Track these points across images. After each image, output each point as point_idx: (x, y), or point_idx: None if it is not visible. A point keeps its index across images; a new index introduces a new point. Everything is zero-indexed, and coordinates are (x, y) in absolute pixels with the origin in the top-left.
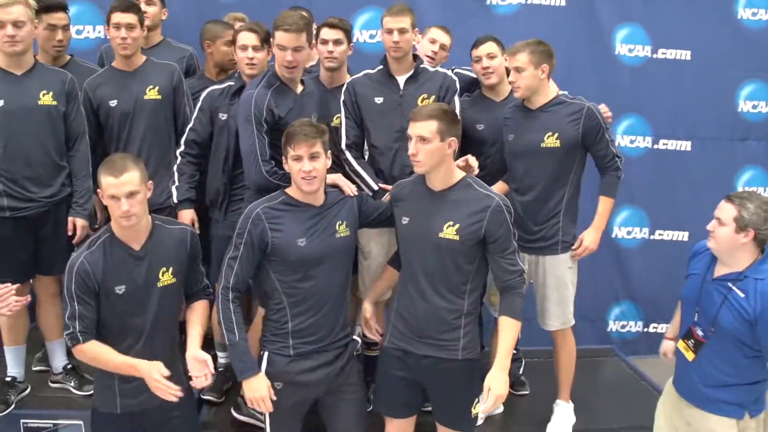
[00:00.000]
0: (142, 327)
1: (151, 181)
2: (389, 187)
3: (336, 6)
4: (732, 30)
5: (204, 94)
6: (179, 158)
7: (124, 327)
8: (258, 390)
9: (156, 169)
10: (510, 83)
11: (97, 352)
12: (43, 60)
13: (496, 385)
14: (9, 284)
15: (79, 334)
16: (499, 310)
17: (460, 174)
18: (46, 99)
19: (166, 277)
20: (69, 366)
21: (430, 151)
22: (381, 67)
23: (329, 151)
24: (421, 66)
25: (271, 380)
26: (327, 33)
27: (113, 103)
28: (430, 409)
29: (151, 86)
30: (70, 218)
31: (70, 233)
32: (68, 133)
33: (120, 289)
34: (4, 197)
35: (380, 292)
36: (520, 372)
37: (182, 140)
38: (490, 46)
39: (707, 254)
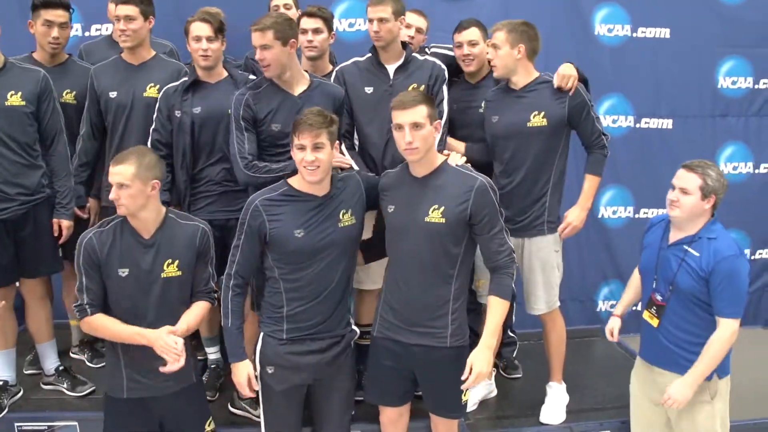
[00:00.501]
0: (144, 314)
1: (157, 180)
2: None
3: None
4: (710, 6)
5: (161, 94)
6: None
7: (128, 312)
8: (238, 375)
9: None
10: (488, 61)
11: (104, 323)
12: (40, 57)
13: (478, 362)
14: None
15: (87, 306)
16: (488, 289)
17: (440, 158)
18: (14, 100)
19: (170, 269)
20: (61, 368)
21: (425, 136)
22: (370, 55)
23: (336, 142)
24: (412, 55)
25: (263, 363)
26: (306, 22)
27: (113, 94)
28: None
29: (152, 84)
30: (54, 219)
31: (56, 234)
32: (43, 133)
33: (123, 272)
34: None
35: None
36: (513, 356)
37: (148, 143)
38: (472, 32)
39: (661, 225)
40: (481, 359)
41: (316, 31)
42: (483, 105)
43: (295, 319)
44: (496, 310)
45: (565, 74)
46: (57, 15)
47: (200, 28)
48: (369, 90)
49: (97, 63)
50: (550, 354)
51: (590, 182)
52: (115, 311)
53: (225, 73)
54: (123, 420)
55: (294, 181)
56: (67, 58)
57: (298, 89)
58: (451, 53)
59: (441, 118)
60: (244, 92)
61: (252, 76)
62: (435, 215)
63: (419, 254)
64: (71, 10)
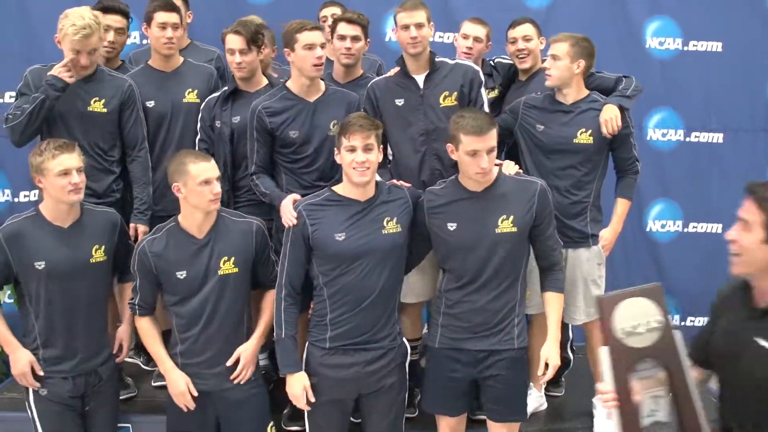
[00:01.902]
0: (201, 313)
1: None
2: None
3: (368, 3)
4: (763, 20)
5: (203, 104)
6: None
7: (185, 311)
8: (293, 386)
9: None
10: (543, 69)
11: (145, 333)
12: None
13: (552, 356)
14: None
15: (137, 306)
16: (543, 285)
17: (495, 169)
18: (96, 106)
19: (227, 266)
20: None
21: (494, 158)
22: (398, 68)
23: (380, 146)
24: (438, 60)
25: (307, 373)
26: (345, 29)
27: (150, 103)
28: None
29: (190, 89)
30: (132, 224)
31: (132, 239)
32: (125, 140)
33: (181, 274)
34: None
35: None
36: (562, 375)
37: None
38: (526, 28)
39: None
40: (553, 353)
41: (355, 38)
42: (521, 105)
43: (338, 326)
44: (556, 304)
45: (608, 118)
46: (114, 20)
47: (233, 41)
48: (400, 102)
49: None
50: (595, 366)
51: (623, 206)
52: (181, 313)
53: (264, 82)
54: (184, 416)
55: (338, 188)
56: (119, 65)
57: (314, 96)
58: (511, 61)
59: None
60: (258, 103)
61: None
62: (505, 225)
63: (491, 265)
64: (130, 19)
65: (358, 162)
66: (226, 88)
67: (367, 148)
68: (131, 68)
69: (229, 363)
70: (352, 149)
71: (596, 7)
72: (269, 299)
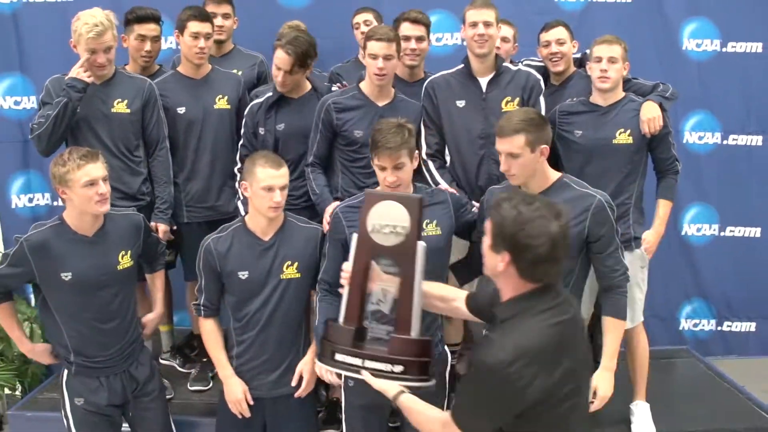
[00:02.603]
0: (260, 316)
1: None
2: (452, 189)
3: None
4: None
5: (247, 110)
6: (238, 175)
7: (245, 312)
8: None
9: (224, 180)
10: (602, 71)
11: (209, 336)
12: (132, 69)
13: (602, 386)
14: None
15: (202, 307)
16: (603, 309)
17: (555, 174)
18: (120, 107)
19: (290, 271)
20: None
21: (522, 164)
22: (461, 66)
23: (416, 152)
24: (504, 65)
25: (345, 376)
26: (410, 29)
27: (181, 110)
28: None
29: (221, 95)
30: (152, 223)
31: None
32: (147, 139)
33: (243, 275)
34: None
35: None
36: None
37: (237, 157)
38: (560, 32)
39: None
40: (605, 383)
41: (420, 39)
42: (556, 114)
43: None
44: (613, 332)
45: (651, 117)
46: (149, 29)
47: (281, 60)
48: (461, 104)
49: None
50: (634, 371)
51: (665, 207)
52: (240, 315)
53: (308, 86)
54: (234, 421)
55: (376, 190)
56: (157, 70)
57: (384, 101)
58: (542, 64)
59: None
60: (329, 98)
61: (335, 87)
62: None
63: None
64: (161, 23)
65: (389, 182)
66: (270, 94)
67: (396, 168)
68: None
69: (293, 383)
70: (383, 169)
71: (631, 9)
72: None
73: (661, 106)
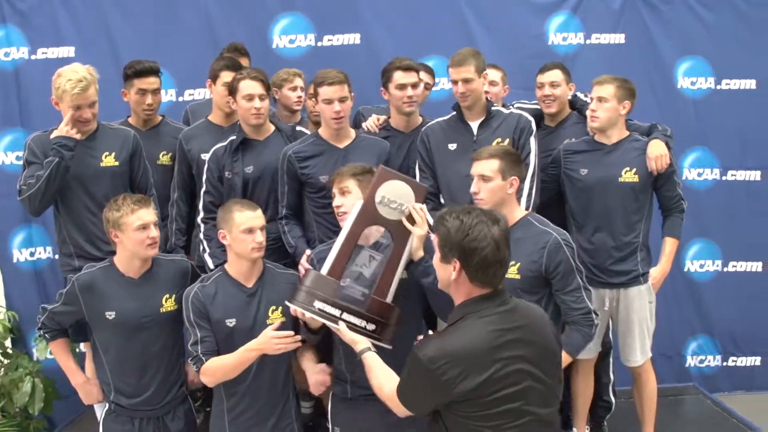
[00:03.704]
0: (251, 364)
1: None
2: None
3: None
4: None
5: (210, 154)
6: (202, 225)
7: None
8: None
9: None
10: (590, 111)
11: (218, 364)
12: (134, 122)
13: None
14: None
15: (202, 355)
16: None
17: (521, 212)
18: (108, 160)
19: (275, 315)
20: None
21: (492, 189)
22: (454, 113)
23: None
24: (494, 108)
25: (333, 424)
26: (403, 77)
27: (206, 156)
28: None
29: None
30: None
31: None
32: (136, 188)
33: (231, 323)
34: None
35: None
36: (605, 421)
37: (200, 206)
38: (555, 74)
39: None
40: None
41: (414, 85)
42: (561, 153)
43: (356, 375)
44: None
45: (658, 155)
46: (149, 83)
47: (252, 87)
48: (452, 146)
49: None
50: (642, 409)
51: (671, 245)
52: None
53: (272, 128)
54: None
55: None
56: (160, 120)
57: (345, 142)
58: (535, 106)
59: (527, 172)
60: (288, 149)
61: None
62: (512, 271)
63: None
64: (160, 74)
65: (342, 212)
66: (233, 137)
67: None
68: (173, 123)
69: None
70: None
71: (625, 50)
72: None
73: (666, 144)
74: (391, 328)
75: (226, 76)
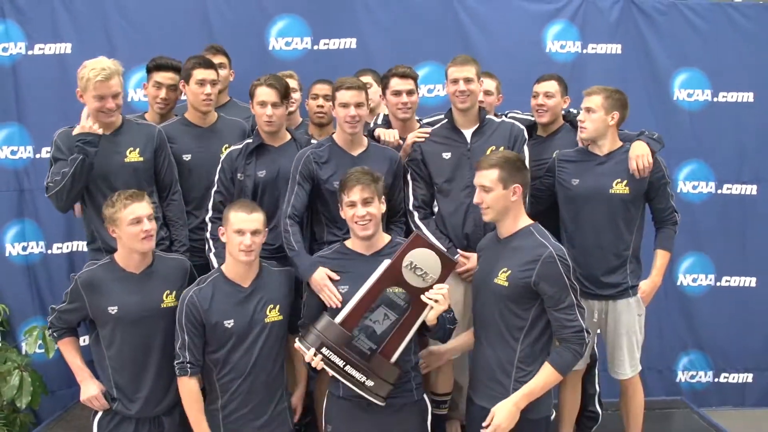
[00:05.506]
0: (247, 361)
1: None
2: (467, 257)
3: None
4: None
5: (224, 156)
6: (209, 224)
7: (231, 361)
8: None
9: None
10: (579, 121)
11: (193, 398)
12: (150, 117)
13: (500, 414)
14: None
15: (188, 365)
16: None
17: (525, 221)
18: (133, 156)
19: (273, 314)
20: None
21: (494, 198)
22: (445, 120)
23: (382, 198)
24: (487, 117)
25: (326, 421)
26: (400, 84)
27: (187, 157)
28: None
29: (227, 144)
30: None
31: None
32: (161, 184)
33: (229, 323)
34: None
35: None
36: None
37: (209, 205)
38: (549, 85)
39: None
40: (502, 412)
41: (410, 92)
42: (555, 161)
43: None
44: (542, 374)
45: (639, 154)
46: (166, 77)
47: (266, 94)
48: (447, 155)
49: None
50: (629, 422)
51: (662, 258)
52: (226, 365)
53: (288, 137)
54: None
55: (348, 241)
56: (173, 117)
57: (358, 150)
58: (528, 117)
59: None
60: (307, 150)
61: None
62: (502, 277)
63: (487, 314)
64: (180, 74)
65: (359, 216)
66: (249, 140)
67: (366, 202)
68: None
69: (296, 419)
70: (352, 204)
71: (622, 60)
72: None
73: (649, 146)
74: (388, 388)
75: (199, 73)
